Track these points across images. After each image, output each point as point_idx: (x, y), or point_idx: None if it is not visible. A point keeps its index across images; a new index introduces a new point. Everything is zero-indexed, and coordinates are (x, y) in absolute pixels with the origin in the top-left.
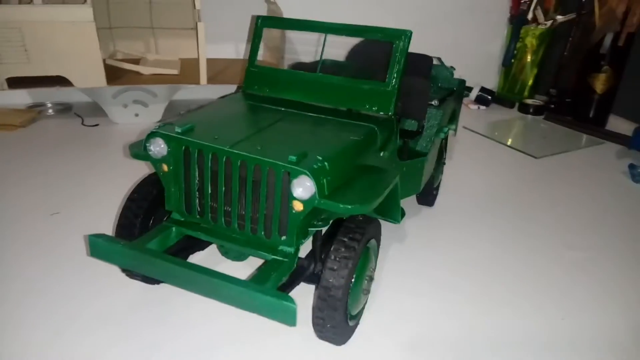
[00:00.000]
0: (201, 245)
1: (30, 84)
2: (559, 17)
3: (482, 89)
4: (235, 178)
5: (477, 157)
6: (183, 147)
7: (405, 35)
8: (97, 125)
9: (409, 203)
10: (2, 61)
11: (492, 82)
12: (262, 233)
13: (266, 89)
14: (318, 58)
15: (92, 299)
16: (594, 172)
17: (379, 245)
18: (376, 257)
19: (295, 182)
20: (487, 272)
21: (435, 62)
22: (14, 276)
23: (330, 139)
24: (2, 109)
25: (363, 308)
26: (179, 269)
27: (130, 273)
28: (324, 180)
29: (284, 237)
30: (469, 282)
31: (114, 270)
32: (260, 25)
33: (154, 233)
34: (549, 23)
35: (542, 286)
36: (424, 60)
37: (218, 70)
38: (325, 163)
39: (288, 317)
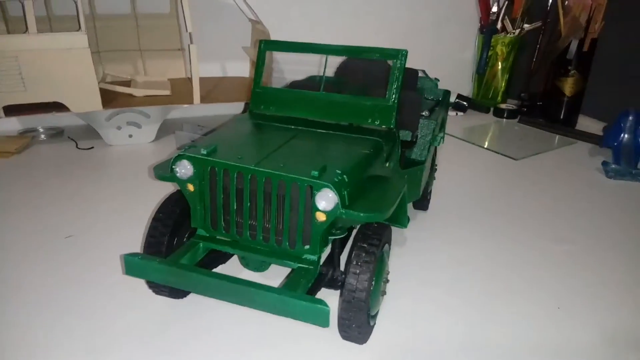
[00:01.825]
0: (223, 259)
1: (26, 111)
2: (526, 26)
3: (459, 96)
4: (260, 194)
5: (460, 161)
6: (209, 168)
7: (402, 54)
8: (92, 148)
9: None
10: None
11: (466, 89)
12: (287, 244)
13: (272, 108)
14: (305, 75)
15: (127, 316)
16: (570, 171)
17: (390, 249)
18: (388, 260)
19: (318, 195)
20: (483, 269)
21: (420, 74)
22: (45, 299)
23: (345, 153)
24: None
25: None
26: (217, 281)
27: (157, 289)
28: (345, 192)
29: (307, 246)
30: (467, 281)
31: (137, 289)
32: (264, 48)
33: (184, 249)
34: (517, 31)
35: (534, 279)
36: (410, 74)
37: (208, 89)
38: (344, 176)
39: (322, 319)
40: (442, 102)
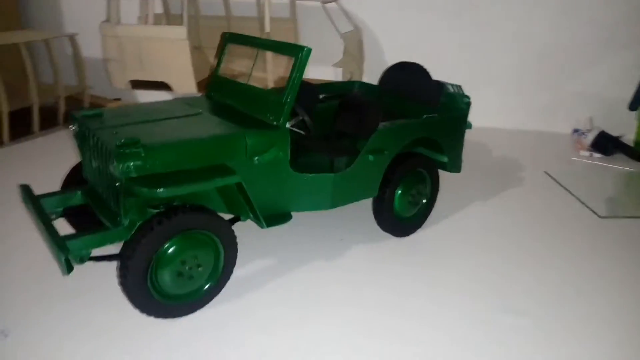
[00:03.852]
0: None
1: (146, 87)
2: None
3: (601, 134)
4: (98, 154)
5: (525, 204)
6: (83, 127)
7: (303, 51)
8: None
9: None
10: (126, 67)
11: (627, 127)
12: (112, 204)
13: (218, 95)
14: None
15: None
16: None
17: (224, 239)
18: (219, 249)
19: (112, 161)
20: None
21: (452, 89)
22: None
23: (179, 134)
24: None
25: (198, 295)
26: (34, 216)
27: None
28: (131, 164)
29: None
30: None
31: None
32: (227, 40)
33: (59, 192)
34: None
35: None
36: (434, 85)
37: None
38: (141, 150)
39: (61, 266)
40: (441, 121)
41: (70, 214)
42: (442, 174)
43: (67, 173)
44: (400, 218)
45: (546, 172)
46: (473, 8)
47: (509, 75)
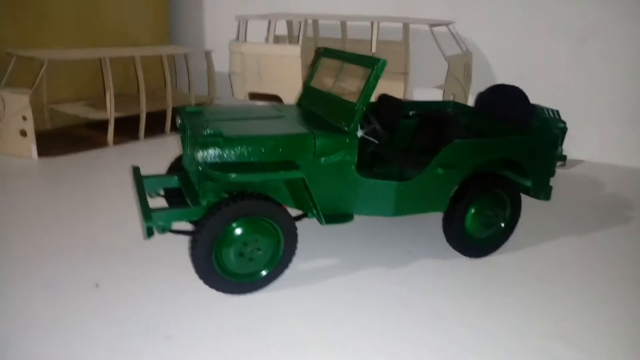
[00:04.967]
0: None
1: (262, 98)
2: None
3: None
4: (191, 144)
5: (622, 243)
6: (184, 121)
7: (378, 63)
8: None
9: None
10: (246, 80)
11: None
12: (196, 187)
13: (307, 102)
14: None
15: None
16: None
17: (284, 229)
18: (280, 238)
19: (196, 148)
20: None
21: (549, 114)
22: None
23: (257, 131)
24: None
25: (255, 277)
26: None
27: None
28: (211, 151)
29: None
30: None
31: None
32: (321, 54)
33: (162, 175)
34: None
35: None
36: (527, 107)
37: None
38: (221, 140)
39: (143, 231)
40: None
41: (168, 194)
42: (541, 203)
43: (172, 161)
44: (472, 238)
45: None
46: (600, 35)
47: (635, 109)
